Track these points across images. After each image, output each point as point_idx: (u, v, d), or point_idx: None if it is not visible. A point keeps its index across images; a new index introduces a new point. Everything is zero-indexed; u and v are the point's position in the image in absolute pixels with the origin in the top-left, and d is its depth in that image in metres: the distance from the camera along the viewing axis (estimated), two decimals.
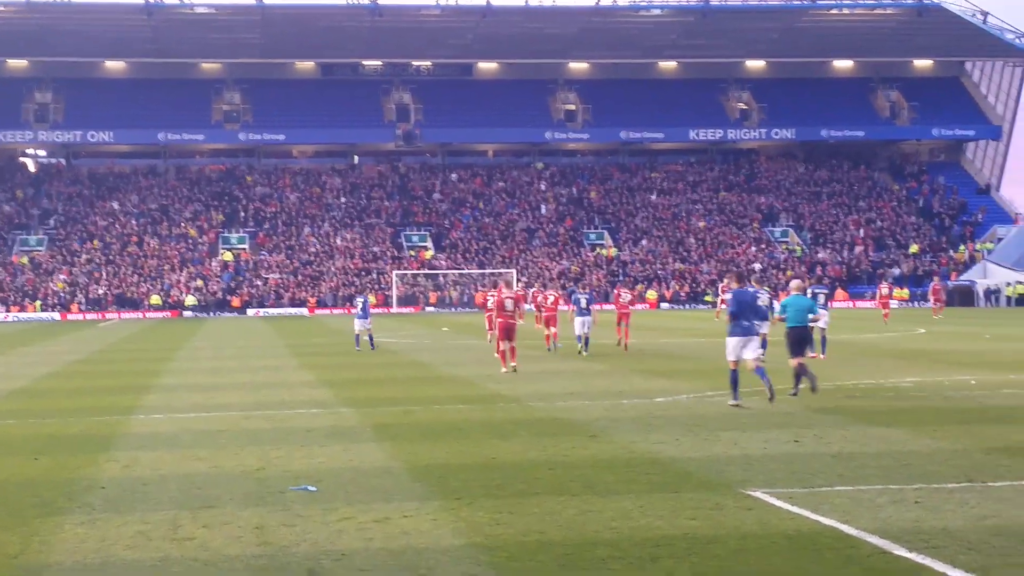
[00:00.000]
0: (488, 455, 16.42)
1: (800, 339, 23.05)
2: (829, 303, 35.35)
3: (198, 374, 31.72)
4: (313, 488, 14.06)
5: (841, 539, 11.23)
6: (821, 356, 31.59)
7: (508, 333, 29.72)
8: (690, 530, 11.66)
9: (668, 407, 21.77)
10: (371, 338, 39.94)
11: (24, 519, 12.64)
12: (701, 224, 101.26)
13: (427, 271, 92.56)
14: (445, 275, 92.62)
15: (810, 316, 23.87)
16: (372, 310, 54.92)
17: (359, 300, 41.69)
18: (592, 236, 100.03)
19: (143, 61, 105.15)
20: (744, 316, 21.56)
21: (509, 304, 30.20)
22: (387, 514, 12.51)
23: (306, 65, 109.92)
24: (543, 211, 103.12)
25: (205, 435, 19.00)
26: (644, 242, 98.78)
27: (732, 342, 21.53)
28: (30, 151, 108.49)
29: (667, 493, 13.48)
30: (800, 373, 22.82)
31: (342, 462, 16.07)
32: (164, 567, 10.66)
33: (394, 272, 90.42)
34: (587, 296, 37.16)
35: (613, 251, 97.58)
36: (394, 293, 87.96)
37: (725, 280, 42.09)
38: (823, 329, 31.91)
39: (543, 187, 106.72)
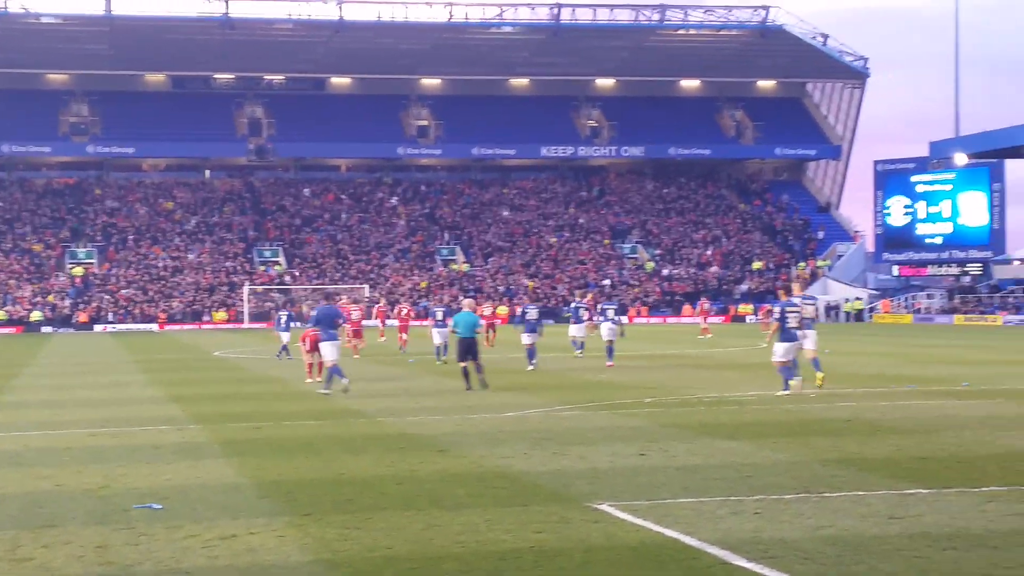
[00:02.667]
0: (338, 470, 16.42)
1: (468, 348, 28.40)
2: (621, 317, 39.81)
3: (43, 391, 31.08)
4: (158, 506, 13.91)
5: (684, 550, 11.47)
6: (609, 363, 36.01)
7: (316, 346, 30.07)
8: (537, 543, 11.80)
9: (517, 422, 21.95)
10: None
11: None
12: (552, 240, 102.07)
13: (279, 286, 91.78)
14: (296, 291, 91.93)
15: (477, 329, 29.13)
16: (223, 325, 54.38)
17: (283, 314, 44.21)
18: (444, 251, 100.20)
19: None
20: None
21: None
22: (234, 531, 12.45)
23: (157, 78, 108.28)
24: (396, 227, 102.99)
25: (48, 453, 18.65)
26: (495, 258, 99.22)
27: None
28: None
29: (515, 507, 13.62)
30: (467, 373, 28.41)
31: (189, 479, 15.92)
32: None
33: (245, 287, 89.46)
34: (444, 309, 39.42)
35: (465, 267, 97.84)
36: (246, 308, 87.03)
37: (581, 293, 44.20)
38: (611, 340, 36.78)
39: (395, 202, 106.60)
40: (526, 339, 36.29)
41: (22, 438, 20.71)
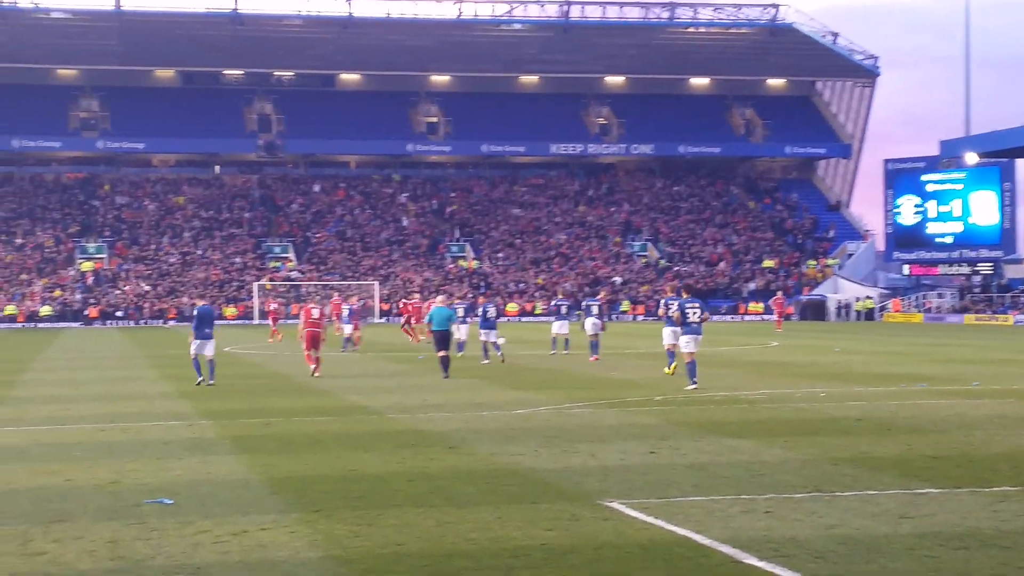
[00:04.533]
0: (347, 467, 16.41)
1: (442, 339, 30.93)
2: (604, 314, 41.42)
3: (52, 385, 31.10)
4: (169, 501, 13.92)
5: (694, 548, 11.46)
6: (594, 357, 37.54)
7: (314, 342, 32.17)
8: (547, 540, 11.80)
9: (527, 419, 21.94)
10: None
11: None
12: (562, 237, 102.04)
13: (289, 282, 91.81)
14: (307, 287, 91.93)
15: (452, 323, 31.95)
16: (233, 321, 54.58)
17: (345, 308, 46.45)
18: (454, 248, 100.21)
19: None
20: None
21: (315, 313, 32.83)
22: (244, 527, 12.45)
23: (166, 73, 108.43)
24: (404, 223, 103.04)
25: (58, 448, 18.67)
26: (504, 254, 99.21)
27: None
28: None
29: (525, 504, 13.61)
30: (446, 363, 30.86)
31: (199, 475, 15.93)
32: None
33: (255, 283, 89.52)
34: (466, 306, 41.84)
35: (474, 263, 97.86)
36: (256, 304, 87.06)
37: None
38: (595, 335, 38.44)
39: (404, 199, 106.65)
40: (483, 335, 38.01)
41: (31, 433, 20.73)
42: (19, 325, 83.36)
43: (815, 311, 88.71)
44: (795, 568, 10.61)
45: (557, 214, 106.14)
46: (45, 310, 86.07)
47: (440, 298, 34.40)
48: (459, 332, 38.59)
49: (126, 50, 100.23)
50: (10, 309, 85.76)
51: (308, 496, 14.22)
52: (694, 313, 27.44)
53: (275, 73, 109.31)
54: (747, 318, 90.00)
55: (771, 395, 26.15)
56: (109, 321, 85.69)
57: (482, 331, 38.22)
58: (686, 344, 27.52)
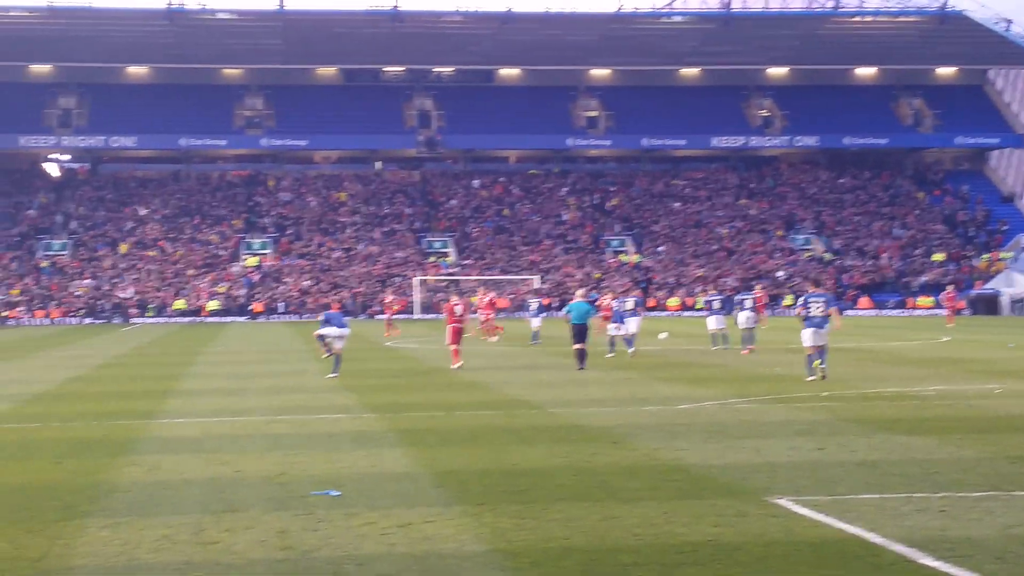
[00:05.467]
0: (510, 461, 16.39)
1: (580, 332, 31.95)
2: (758, 308, 42.13)
3: (220, 378, 31.75)
4: (336, 493, 14.05)
5: (866, 547, 11.17)
6: (747, 350, 38.11)
7: (457, 337, 33.51)
8: (714, 537, 11.62)
9: (691, 414, 21.70)
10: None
11: (47, 522, 12.66)
12: (723, 231, 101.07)
13: (449, 277, 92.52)
14: (467, 281, 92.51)
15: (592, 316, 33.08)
16: (393, 316, 55.31)
17: (533, 301, 48.83)
18: (614, 243, 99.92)
19: (165, 67, 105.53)
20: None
21: (458, 310, 34.01)
22: (410, 519, 12.50)
23: (328, 71, 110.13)
24: (565, 217, 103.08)
25: (228, 439, 19.01)
26: (665, 248, 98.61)
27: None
28: (53, 156, 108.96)
29: (690, 500, 13.44)
30: (582, 355, 31.95)
31: (365, 467, 16.05)
32: (187, 571, 10.67)
33: (415, 278, 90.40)
34: (636, 300, 41.84)
35: (635, 257, 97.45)
36: (416, 299, 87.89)
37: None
38: (748, 329, 39.26)
39: (565, 193, 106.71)
40: (611, 329, 38.41)
41: (202, 424, 21.15)
42: (187, 319, 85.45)
43: (987, 306, 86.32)
44: (973, 569, 10.27)
45: (718, 207, 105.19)
46: (211, 305, 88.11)
47: (580, 292, 35.28)
48: (630, 325, 38.79)
49: (289, 49, 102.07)
50: (178, 304, 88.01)
51: (472, 490, 14.22)
52: (817, 307, 27.85)
53: (434, 69, 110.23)
54: (916, 312, 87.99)
55: (943, 392, 25.45)
56: (273, 316, 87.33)
57: (611, 324, 38.52)
58: (808, 337, 27.82)
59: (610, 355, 37.12)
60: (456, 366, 33.19)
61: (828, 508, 12.78)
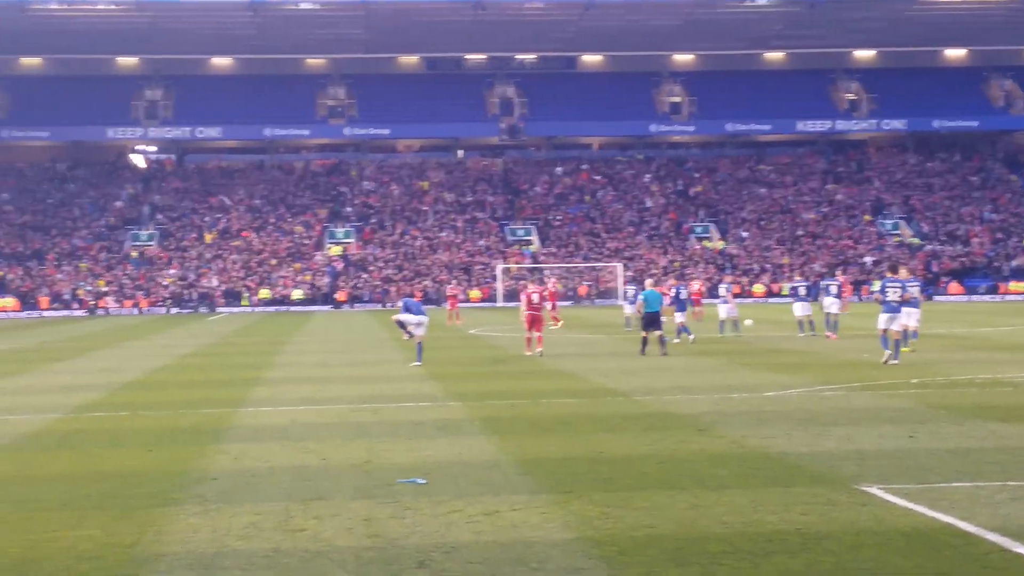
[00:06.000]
0: (596, 449, 16.33)
1: (651, 320, 32.90)
2: (842, 294, 41.69)
3: (305, 367, 31.96)
4: (422, 481, 14.06)
5: (959, 536, 11.00)
6: (833, 336, 38.75)
7: (535, 324, 33.91)
8: (803, 525, 11.50)
9: (778, 402, 21.50)
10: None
11: (139, 509, 12.82)
12: (810, 216, 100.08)
13: (532, 265, 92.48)
14: (550, 269, 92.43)
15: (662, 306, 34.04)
16: (477, 304, 55.24)
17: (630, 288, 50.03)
18: (698, 229, 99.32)
19: (249, 57, 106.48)
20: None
21: (535, 298, 34.40)
22: (496, 507, 12.49)
23: (410, 60, 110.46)
24: (648, 204, 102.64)
25: (314, 427, 19.12)
26: (750, 234, 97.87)
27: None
28: (140, 148, 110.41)
29: (779, 488, 13.32)
30: (646, 342, 33.01)
31: (450, 455, 16.07)
32: (276, 558, 10.73)
33: (498, 266, 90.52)
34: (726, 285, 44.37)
35: (720, 244, 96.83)
36: (499, 287, 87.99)
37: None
38: (836, 315, 39.71)
39: (648, 180, 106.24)
40: (678, 317, 38.94)
41: (288, 413, 21.30)
42: (272, 309, 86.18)
43: None
44: None
45: (804, 192, 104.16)
46: (296, 294, 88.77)
47: (648, 281, 36.51)
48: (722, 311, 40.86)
49: (371, 38, 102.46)
50: (264, 293, 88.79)
51: (558, 477, 14.18)
52: (894, 292, 28.50)
53: (516, 56, 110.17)
54: (1008, 298, 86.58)
55: None
56: (357, 304, 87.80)
57: (677, 313, 38.93)
58: (883, 322, 28.43)
59: (676, 341, 37.25)
60: (531, 353, 33.56)
61: (919, 497, 12.60)
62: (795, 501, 12.55)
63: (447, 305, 59.21)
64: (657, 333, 33.03)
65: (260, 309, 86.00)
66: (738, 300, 66.91)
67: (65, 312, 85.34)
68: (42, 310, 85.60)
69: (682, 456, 15.60)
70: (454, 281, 78.20)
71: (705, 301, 50.15)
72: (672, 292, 40.03)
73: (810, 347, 35.55)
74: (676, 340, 37.27)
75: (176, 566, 10.54)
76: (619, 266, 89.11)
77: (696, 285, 50.79)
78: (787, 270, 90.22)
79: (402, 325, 31.18)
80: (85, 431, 19.36)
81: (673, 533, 11.30)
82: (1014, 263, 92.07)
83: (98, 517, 12.47)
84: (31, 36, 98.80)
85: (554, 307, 50.09)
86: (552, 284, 56.63)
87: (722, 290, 44.50)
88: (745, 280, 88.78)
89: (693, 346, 36.44)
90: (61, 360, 36.81)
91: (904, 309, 29.37)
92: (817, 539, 10.99)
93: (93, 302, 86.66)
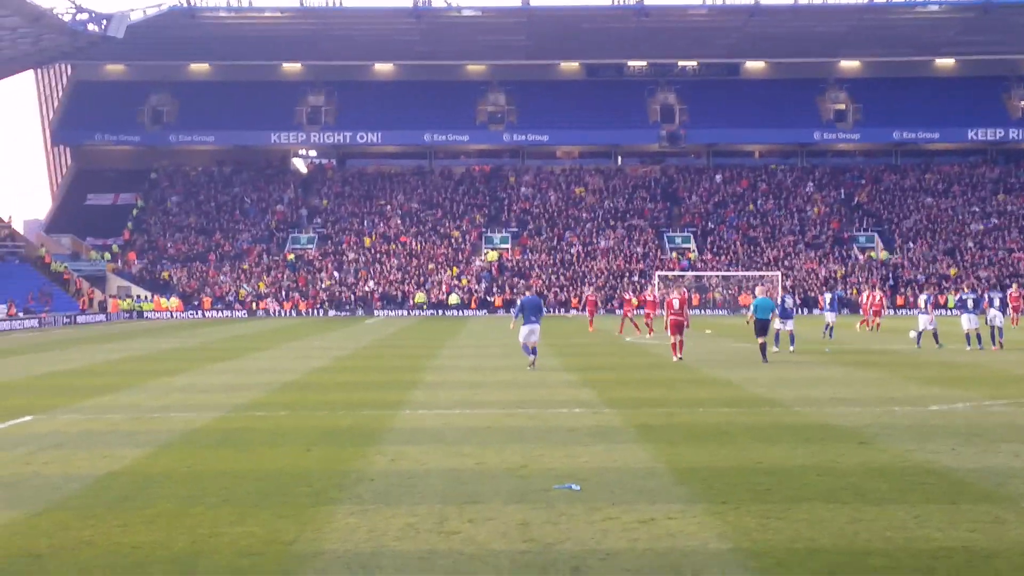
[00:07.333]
0: (754, 459, 16.09)
1: (762, 327, 34.43)
2: (929, 307, 43.56)
3: (461, 371, 32.11)
4: (577, 487, 14.00)
5: None
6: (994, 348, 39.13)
7: (677, 329, 35.23)
8: (969, 543, 11.19)
9: (944, 416, 20.95)
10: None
11: (298, 508, 12.99)
12: (979, 227, 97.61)
13: (690, 272, 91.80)
14: (709, 277, 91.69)
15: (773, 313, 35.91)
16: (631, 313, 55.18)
17: (827, 295, 50.04)
18: (862, 239, 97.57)
19: (411, 64, 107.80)
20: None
21: (676, 304, 35.67)
22: (652, 515, 12.36)
23: (570, 66, 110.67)
24: (809, 212, 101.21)
25: (469, 431, 19.18)
26: (916, 245, 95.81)
27: None
28: (302, 152, 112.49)
29: (943, 504, 12.97)
30: (763, 348, 34.39)
31: (605, 462, 15.97)
32: (431, 559, 10.77)
33: (656, 273, 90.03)
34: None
35: (884, 254, 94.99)
36: (657, 295, 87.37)
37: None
38: (999, 327, 40.14)
39: (810, 188, 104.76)
40: (777, 324, 39.00)
41: (444, 416, 21.40)
42: (428, 313, 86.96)
43: None
44: None
45: (973, 203, 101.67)
46: (452, 298, 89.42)
47: (759, 289, 36.79)
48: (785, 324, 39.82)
49: (533, 44, 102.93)
50: (420, 297, 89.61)
51: (715, 487, 14.00)
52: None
53: (678, 63, 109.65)
54: None
55: None
56: (512, 309, 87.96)
57: (780, 320, 39.36)
58: None
59: (775, 349, 38.12)
60: (676, 358, 34.50)
61: None
62: (961, 518, 12.22)
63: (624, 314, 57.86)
64: (763, 341, 34.37)
65: (416, 313, 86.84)
66: (902, 312, 65.81)
67: (227, 313, 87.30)
68: (205, 310, 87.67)
69: (842, 469, 15.27)
70: (629, 289, 77.58)
71: (905, 313, 50.27)
72: (779, 300, 40.90)
73: (977, 360, 34.64)
74: (775, 348, 37.97)
75: (334, 564, 10.65)
76: (777, 275, 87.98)
77: (877, 296, 51.32)
78: (952, 282, 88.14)
79: (527, 350, 32.32)
80: (246, 429, 19.71)
81: (833, 547, 11.06)
82: None
83: (259, 514, 12.67)
84: (200, 42, 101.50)
85: (648, 316, 51.38)
86: (649, 292, 56.54)
87: (921, 301, 45.37)
88: (909, 291, 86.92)
89: (853, 356, 35.83)
90: (223, 360, 37.60)
91: None
92: (984, 557, 10.69)
93: (254, 303, 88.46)
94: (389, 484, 14.44)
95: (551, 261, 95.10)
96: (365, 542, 11.38)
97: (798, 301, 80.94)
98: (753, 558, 10.67)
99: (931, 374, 29.76)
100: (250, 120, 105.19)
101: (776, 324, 38.78)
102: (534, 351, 32.21)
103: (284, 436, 18.81)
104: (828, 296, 50.39)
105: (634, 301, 59.57)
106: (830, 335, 46.67)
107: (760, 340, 34.47)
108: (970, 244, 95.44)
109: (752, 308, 35.02)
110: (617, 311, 64.69)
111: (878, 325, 52.87)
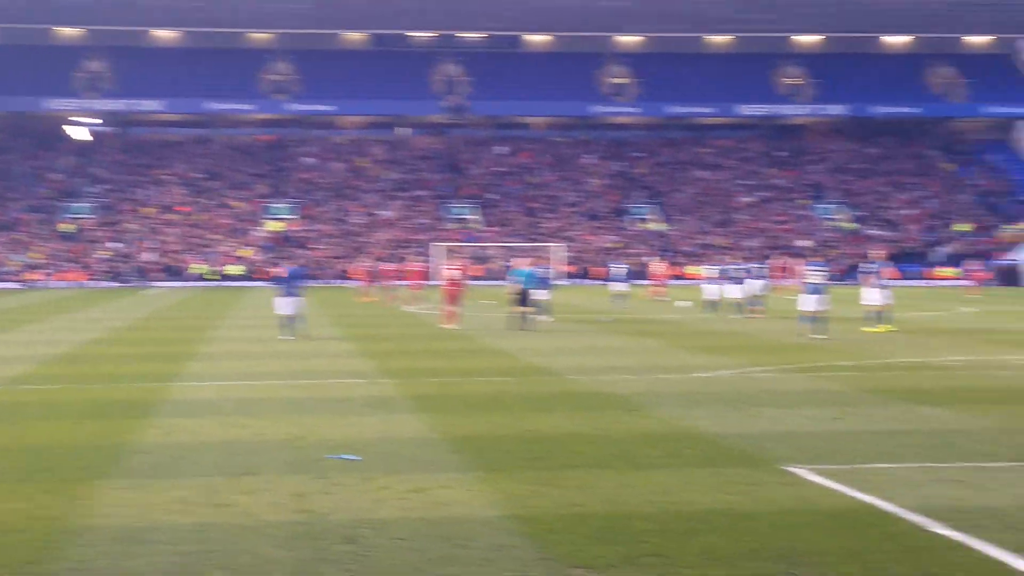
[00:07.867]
0: (527, 427, 16.39)
1: (524, 296, 35.45)
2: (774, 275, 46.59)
3: (240, 342, 31.82)
4: (355, 457, 14.07)
5: (880, 516, 11.16)
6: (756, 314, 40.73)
7: (453, 299, 37.13)
8: (730, 505, 11.61)
9: (709, 383, 21.67)
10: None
11: (68, 482, 12.75)
12: (748, 200, 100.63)
13: (470, 243, 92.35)
14: (488, 248, 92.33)
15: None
16: (401, 282, 55.28)
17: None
18: (639, 211, 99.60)
19: (194, 31, 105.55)
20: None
21: (456, 275, 38.20)
22: (425, 484, 12.52)
23: (356, 36, 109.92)
24: (589, 185, 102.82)
25: (246, 403, 19.06)
26: (688, 217, 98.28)
27: None
28: (81, 119, 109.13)
29: (707, 468, 13.43)
30: (524, 318, 35.16)
31: (381, 432, 16.09)
32: (204, 532, 10.71)
33: (432, 244, 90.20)
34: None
35: (663, 225, 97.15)
36: (434, 266, 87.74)
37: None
38: (759, 295, 42.15)
39: (590, 160, 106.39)
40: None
41: (220, 388, 21.22)
42: (209, 283, 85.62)
43: (1008, 277, 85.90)
44: (987, 538, 10.24)
45: (743, 176, 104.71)
46: (234, 269, 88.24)
47: (520, 260, 38.67)
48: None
49: (318, 13, 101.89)
50: (201, 268, 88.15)
51: (488, 455, 14.24)
52: (815, 275, 32.78)
53: (462, 35, 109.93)
54: (937, 283, 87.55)
55: (966, 362, 25.36)
56: (274, 282, 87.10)
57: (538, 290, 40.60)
58: (803, 302, 32.75)
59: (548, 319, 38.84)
60: (449, 327, 36.02)
61: (844, 477, 12.76)
62: (723, 481, 12.67)
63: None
64: (523, 309, 35.45)
65: (196, 284, 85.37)
66: (676, 282, 67.44)
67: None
68: None
69: (612, 436, 15.69)
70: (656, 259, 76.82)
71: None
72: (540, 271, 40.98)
73: (743, 328, 35.82)
74: (546, 318, 38.35)
75: (103, 539, 10.49)
76: (558, 246, 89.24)
77: (663, 266, 52.73)
78: (722, 252, 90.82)
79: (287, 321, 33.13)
80: (15, 403, 19.20)
81: (601, 511, 11.37)
82: (945, 249, 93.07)
83: (26, 490, 12.39)
84: None
85: (417, 287, 53.71)
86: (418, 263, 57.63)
87: (703, 271, 45.40)
88: (684, 261, 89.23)
89: (633, 326, 36.67)
90: None
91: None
92: (743, 518, 11.10)
93: (26, 275, 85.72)
94: (162, 457, 14.27)
95: (335, 232, 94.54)
96: (136, 517, 11.24)
97: (574, 271, 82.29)
98: (524, 524, 10.90)
99: (700, 343, 30.67)
100: (24, 86, 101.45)
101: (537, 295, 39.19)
102: (294, 321, 32.62)
103: (55, 409, 18.39)
104: (615, 267, 51.44)
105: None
106: (622, 305, 47.60)
107: (518, 309, 35.62)
108: (741, 216, 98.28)
109: (511, 277, 36.79)
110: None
111: (664, 294, 54.61)
